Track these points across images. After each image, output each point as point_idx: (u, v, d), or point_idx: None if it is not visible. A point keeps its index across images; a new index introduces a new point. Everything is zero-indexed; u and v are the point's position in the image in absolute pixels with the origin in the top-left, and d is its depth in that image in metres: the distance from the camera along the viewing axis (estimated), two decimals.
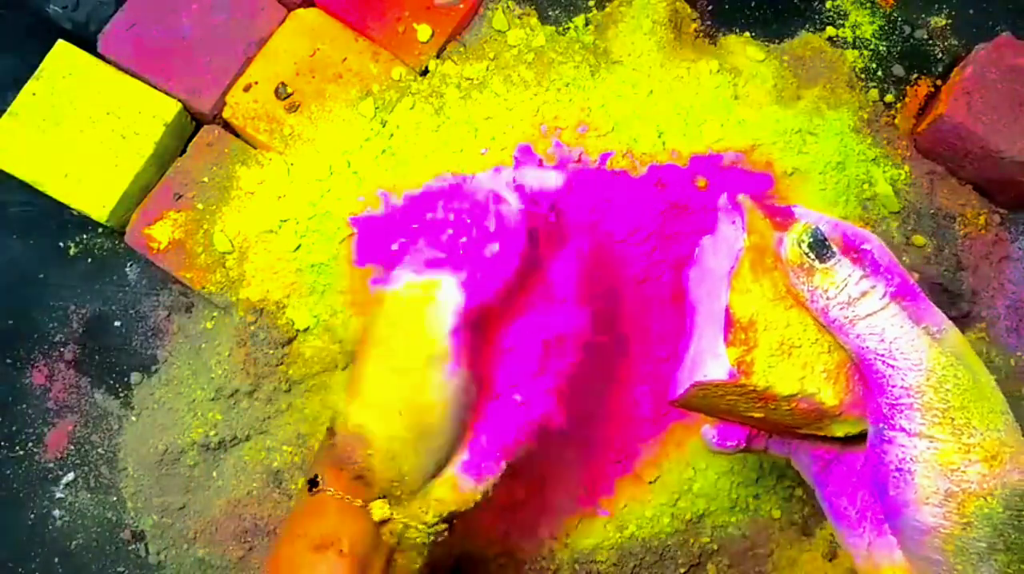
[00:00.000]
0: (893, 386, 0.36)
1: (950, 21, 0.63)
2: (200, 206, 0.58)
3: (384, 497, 0.44)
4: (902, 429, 0.36)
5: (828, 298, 0.38)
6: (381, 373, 0.43)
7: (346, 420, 0.43)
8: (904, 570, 0.38)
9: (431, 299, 0.42)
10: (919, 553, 0.37)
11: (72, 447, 0.58)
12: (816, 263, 0.38)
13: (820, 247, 0.38)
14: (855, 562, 0.41)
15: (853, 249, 0.39)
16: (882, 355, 0.37)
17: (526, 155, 0.55)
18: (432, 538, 0.45)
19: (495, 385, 0.46)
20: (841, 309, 0.38)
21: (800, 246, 0.38)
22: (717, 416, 0.42)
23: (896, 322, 0.37)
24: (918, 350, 0.36)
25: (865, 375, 0.38)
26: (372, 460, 0.43)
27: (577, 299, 0.47)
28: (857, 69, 0.61)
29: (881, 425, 0.37)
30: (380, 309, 0.43)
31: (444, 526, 0.45)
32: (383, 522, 0.44)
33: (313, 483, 0.45)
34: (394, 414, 0.42)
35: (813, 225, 0.39)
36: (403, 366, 0.42)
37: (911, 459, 0.36)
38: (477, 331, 0.44)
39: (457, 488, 0.44)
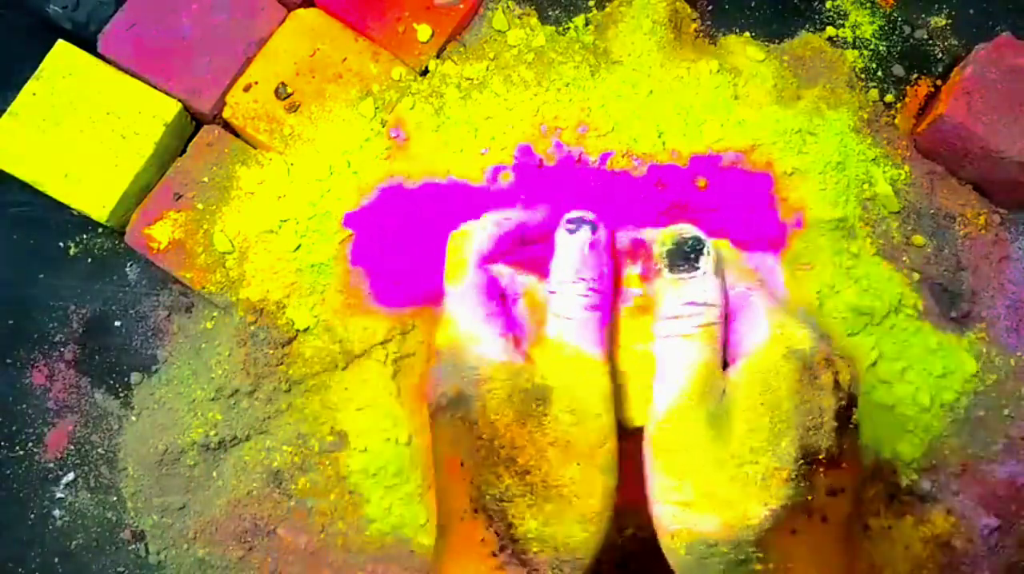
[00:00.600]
0: (654, 405, 0.40)
1: (950, 21, 0.63)
2: (200, 206, 0.58)
3: None
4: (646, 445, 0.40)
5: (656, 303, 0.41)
6: (591, 477, 0.39)
7: (559, 544, 0.38)
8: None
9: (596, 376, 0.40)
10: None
11: (72, 447, 0.58)
12: (665, 271, 0.41)
13: (674, 257, 0.41)
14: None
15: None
16: (660, 375, 0.40)
17: (526, 155, 0.55)
18: None
19: None
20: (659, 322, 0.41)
21: (662, 246, 0.42)
22: None
23: (688, 348, 0.40)
24: (681, 375, 0.39)
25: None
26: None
27: None
28: (857, 69, 0.61)
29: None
30: (542, 397, 0.39)
31: None
32: None
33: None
34: (607, 518, 0.40)
35: (689, 235, 0.41)
36: (606, 462, 0.40)
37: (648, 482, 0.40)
38: None
39: None
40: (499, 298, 0.44)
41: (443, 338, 0.42)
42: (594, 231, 0.43)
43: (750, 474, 0.37)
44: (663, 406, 0.39)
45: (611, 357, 0.42)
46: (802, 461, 0.38)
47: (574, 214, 0.44)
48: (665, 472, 0.38)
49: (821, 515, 0.39)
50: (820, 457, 0.38)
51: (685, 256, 0.41)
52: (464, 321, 0.42)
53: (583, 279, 0.41)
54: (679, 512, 0.38)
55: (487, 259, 0.44)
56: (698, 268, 0.40)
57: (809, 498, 0.38)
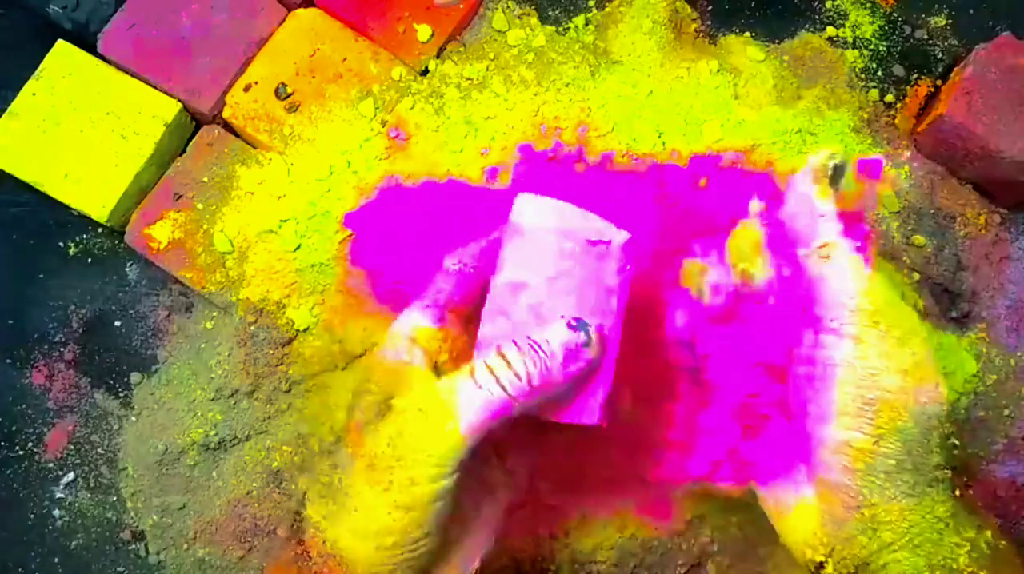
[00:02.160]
0: (833, 288, 0.39)
1: (950, 21, 0.63)
2: (200, 206, 0.58)
3: None
4: (832, 330, 0.39)
5: (811, 210, 0.41)
6: (379, 506, 0.39)
7: (328, 541, 0.40)
8: (810, 507, 0.39)
9: (446, 420, 0.39)
10: (829, 479, 0.38)
11: (72, 447, 0.58)
12: (827, 181, 0.42)
13: (839, 173, 0.42)
14: (762, 504, 0.43)
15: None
16: (831, 261, 0.40)
17: (526, 155, 0.55)
18: None
19: None
20: (814, 224, 0.41)
21: (831, 159, 0.43)
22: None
23: (851, 256, 0.40)
24: (861, 263, 0.40)
25: (808, 282, 0.41)
26: None
27: None
28: (857, 69, 0.61)
29: (813, 329, 0.40)
30: (386, 431, 0.40)
31: None
32: None
33: None
34: (387, 545, 0.39)
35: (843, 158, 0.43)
36: (407, 502, 0.39)
37: (835, 363, 0.38)
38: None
39: None
40: None
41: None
42: (587, 345, 0.41)
43: (929, 348, 0.39)
44: (863, 291, 0.39)
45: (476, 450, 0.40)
46: None
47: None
48: (887, 343, 0.38)
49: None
50: None
51: (842, 174, 0.43)
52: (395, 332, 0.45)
53: (534, 364, 0.40)
54: (902, 381, 0.38)
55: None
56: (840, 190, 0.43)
57: None
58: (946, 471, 0.37)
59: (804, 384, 0.40)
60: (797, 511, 0.40)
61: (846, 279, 0.39)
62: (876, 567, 0.37)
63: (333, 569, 0.40)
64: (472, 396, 0.39)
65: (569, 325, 0.41)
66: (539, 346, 0.40)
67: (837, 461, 0.37)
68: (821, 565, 0.39)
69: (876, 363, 0.38)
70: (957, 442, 0.38)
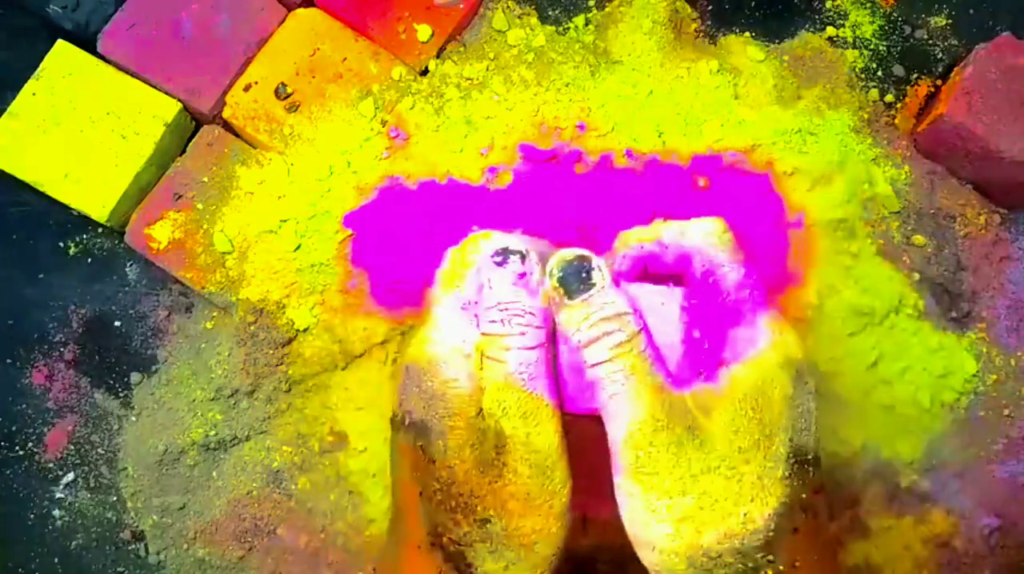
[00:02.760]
0: (610, 434, 0.39)
1: (950, 21, 0.63)
2: (200, 206, 0.58)
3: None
4: (615, 473, 0.38)
5: (568, 338, 0.39)
6: (546, 529, 0.39)
7: None
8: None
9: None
10: None
11: (72, 447, 0.58)
12: (565, 299, 0.39)
13: (569, 282, 0.39)
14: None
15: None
16: (603, 403, 0.39)
17: (527, 154, 0.55)
18: None
19: None
20: (572, 352, 0.39)
21: (551, 277, 0.39)
22: None
23: (617, 378, 0.38)
24: (624, 411, 0.38)
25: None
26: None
27: None
28: (857, 69, 0.61)
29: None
30: (512, 445, 0.39)
31: None
32: None
33: None
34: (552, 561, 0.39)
35: (570, 257, 0.39)
36: (558, 512, 0.39)
37: (620, 504, 0.38)
38: None
39: None
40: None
41: (416, 352, 0.40)
42: (523, 261, 0.40)
43: (745, 475, 0.37)
44: (631, 430, 0.38)
45: (559, 394, 0.40)
46: (793, 460, 0.38)
47: (501, 244, 0.41)
48: (653, 492, 0.37)
49: (813, 512, 0.39)
50: (808, 457, 0.39)
51: (577, 277, 0.39)
52: (443, 340, 0.40)
53: (516, 316, 0.39)
54: (676, 529, 0.37)
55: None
56: (593, 284, 0.39)
57: (803, 496, 0.38)
58: None
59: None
60: None
61: (614, 425, 0.38)
62: None
63: None
64: (513, 371, 0.39)
65: (497, 264, 0.40)
66: (499, 306, 0.40)
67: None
68: None
69: (645, 517, 0.38)
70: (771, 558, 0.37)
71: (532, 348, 0.39)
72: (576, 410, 0.41)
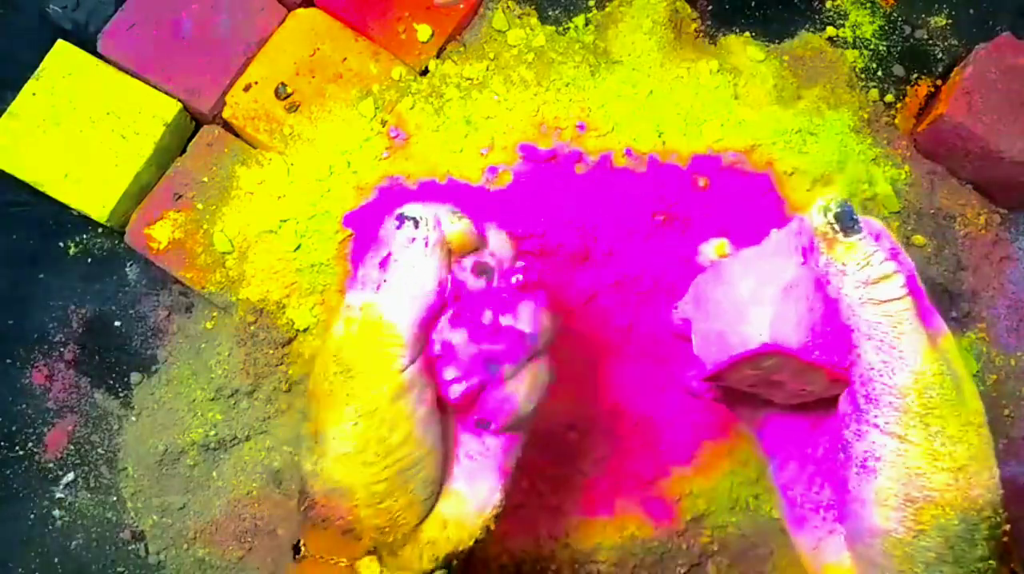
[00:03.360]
0: (879, 380, 0.36)
1: (950, 21, 0.63)
2: (200, 206, 0.58)
3: (372, 552, 0.40)
4: (875, 425, 0.36)
5: (846, 274, 0.36)
6: (344, 422, 0.39)
7: (320, 480, 0.40)
8: (848, 571, 0.38)
9: (378, 328, 0.39)
10: (866, 554, 0.37)
11: (72, 447, 0.58)
12: (840, 235, 0.36)
13: (846, 219, 0.37)
14: (801, 556, 0.41)
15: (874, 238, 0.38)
16: (880, 345, 0.36)
17: (527, 154, 0.55)
18: None
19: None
20: (856, 287, 0.36)
21: (826, 215, 0.37)
22: (743, 386, 0.42)
23: (906, 317, 0.36)
24: (916, 351, 0.36)
25: (855, 360, 0.37)
26: (358, 511, 0.39)
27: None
28: (857, 69, 0.61)
29: (853, 417, 0.37)
30: (327, 358, 0.40)
31: (443, 572, 0.41)
32: None
33: (296, 550, 0.41)
34: (371, 458, 0.39)
35: (841, 197, 0.37)
36: (368, 409, 0.39)
37: (877, 457, 0.36)
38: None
39: (448, 524, 0.41)
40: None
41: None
42: (416, 227, 0.40)
43: (983, 433, 0.37)
44: (920, 371, 0.36)
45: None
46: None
47: (404, 209, 0.40)
48: (938, 438, 0.36)
49: None
50: None
51: (851, 217, 0.37)
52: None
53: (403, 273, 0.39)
54: (956, 477, 0.36)
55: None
56: (861, 229, 0.37)
57: None
58: (990, 562, 0.36)
59: (843, 459, 0.38)
60: (835, 567, 0.39)
61: (894, 369, 0.36)
62: None
63: (338, 505, 0.40)
64: (390, 295, 0.39)
65: (396, 227, 0.40)
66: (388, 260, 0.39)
67: (875, 543, 0.36)
68: None
69: (923, 464, 0.36)
70: (1007, 526, 0.37)
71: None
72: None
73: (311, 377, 0.41)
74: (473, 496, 0.42)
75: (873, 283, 0.36)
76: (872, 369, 0.36)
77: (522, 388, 0.41)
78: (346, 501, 0.39)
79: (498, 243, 0.42)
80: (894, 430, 0.36)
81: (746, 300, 0.38)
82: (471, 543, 0.41)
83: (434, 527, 0.41)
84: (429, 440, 0.40)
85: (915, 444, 0.35)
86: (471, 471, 0.42)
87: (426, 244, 0.39)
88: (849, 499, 0.37)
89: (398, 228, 0.40)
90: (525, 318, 0.40)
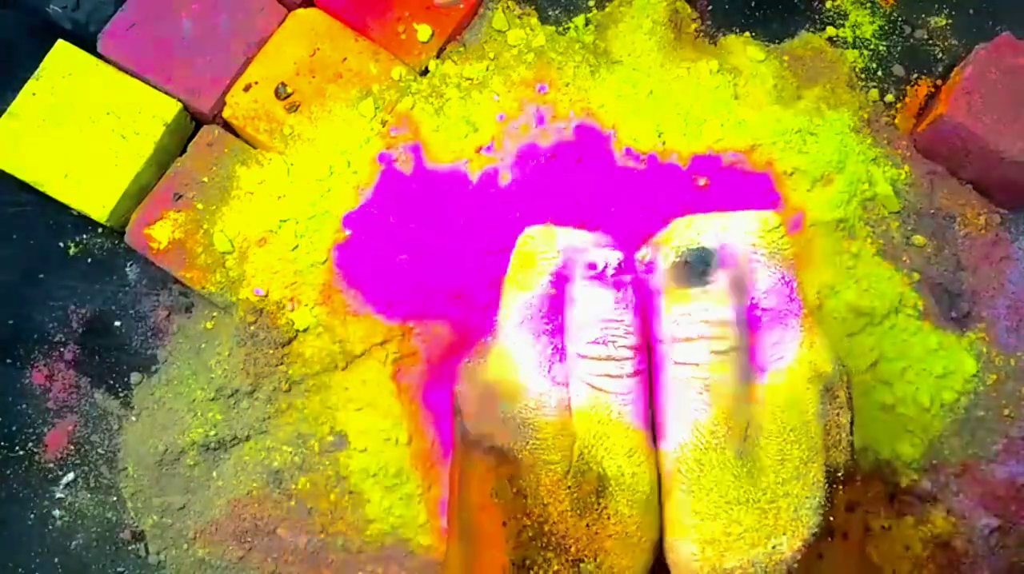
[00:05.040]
0: (662, 434, 0.37)
1: (950, 21, 0.63)
2: (200, 206, 0.58)
3: None
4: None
5: (660, 321, 0.37)
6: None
7: None
8: None
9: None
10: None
11: (72, 447, 0.58)
12: (671, 283, 0.36)
13: (686, 271, 0.36)
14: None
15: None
16: (664, 403, 0.37)
17: (527, 154, 0.55)
18: None
19: None
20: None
21: (667, 258, 0.37)
22: None
23: (695, 385, 0.35)
24: (688, 419, 0.36)
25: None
26: None
27: None
28: (857, 69, 0.61)
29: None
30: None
31: None
32: None
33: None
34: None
35: (697, 245, 0.36)
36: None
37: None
38: None
39: None
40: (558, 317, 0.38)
41: (496, 372, 0.37)
42: (619, 271, 0.36)
43: (782, 508, 0.35)
44: (684, 443, 0.36)
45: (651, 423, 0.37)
46: (827, 484, 0.36)
47: (593, 254, 0.37)
48: (690, 509, 0.36)
49: (843, 533, 0.37)
50: (839, 475, 0.36)
51: (697, 270, 0.35)
52: (522, 354, 0.37)
53: (621, 338, 0.36)
54: (702, 550, 0.35)
55: (562, 278, 0.38)
56: (709, 283, 0.35)
57: (832, 518, 0.36)
58: None
59: None
60: None
61: (673, 424, 0.36)
62: None
63: None
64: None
65: (594, 277, 0.37)
66: (601, 324, 0.37)
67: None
68: None
69: (678, 535, 0.36)
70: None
71: (634, 374, 0.36)
72: None
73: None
74: None
75: (675, 341, 0.36)
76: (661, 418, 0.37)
77: None
78: None
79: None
80: (665, 489, 0.36)
81: None
82: None
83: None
84: None
85: (675, 509, 0.36)
86: None
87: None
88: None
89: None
90: None
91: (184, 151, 0.59)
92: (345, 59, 0.59)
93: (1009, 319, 0.59)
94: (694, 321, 0.35)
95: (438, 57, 0.59)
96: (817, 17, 0.63)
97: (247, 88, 0.58)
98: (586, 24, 0.60)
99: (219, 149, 0.59)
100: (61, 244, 0.60)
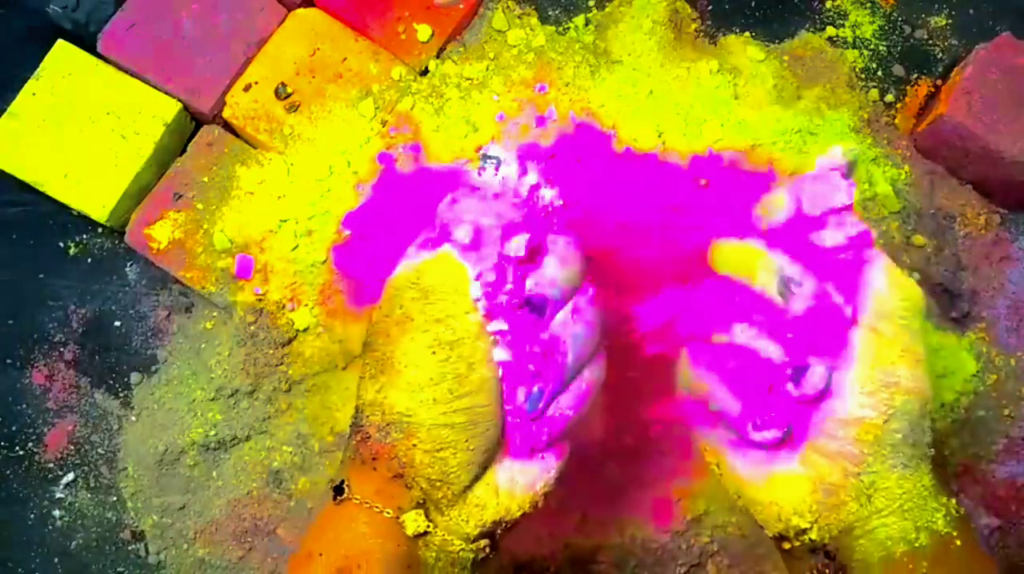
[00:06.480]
0: (866, 290, 0.42)
1: (950, 21, 0.63)
2: (200, 206, 0.58)
3: (419, 506, 0.39)
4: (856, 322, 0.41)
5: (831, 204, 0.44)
6: (422, 349, 0.38)
7: (385, 408, 0.39)
8: (796, 476, 0.41)
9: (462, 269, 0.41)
10: (829, 446, 0.40)
11: (72, 447, 0.58)
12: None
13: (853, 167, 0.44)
14: (728, 473, 0.43)
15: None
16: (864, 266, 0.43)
17: (527, 153, 0.55)
18: (473, 556, 0.40)
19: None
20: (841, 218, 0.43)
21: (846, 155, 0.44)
22: None
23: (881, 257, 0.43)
24: (891, 268, 0.42)
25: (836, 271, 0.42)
26: (415, 452, 0.38)
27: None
28: (857, 69, 0.61)
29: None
30: (403, 284, 0.41)
31: (485, 542, 0.40)
32: (418, 536, 0.39)
33: (339, 490, 0.40)
34: (442, 396, 0.38)
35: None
36: (449, 338, 0.38)
37: (856, 350, 0.40)
38: None
39: (499, 492, 0.40)
40: None
41: None
42: (498, 168, 0.44)
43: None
44: (891, 290, 0.42)
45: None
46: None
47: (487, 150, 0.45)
48: (903, 335, 0.40)
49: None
50: None
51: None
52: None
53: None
54: (911, 372, 0.40)
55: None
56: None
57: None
58: (931, 448, 0.41)
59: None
60: (777, 480, 0.41)
61: (881, 283, 0.41)
62: (861, 531, 0.40)
63: (394, 442, 0.39)
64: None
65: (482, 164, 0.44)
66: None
67: (846, 433, 0.39)
68: (804, 530, 0.40)
69: (892, 356, 0.40)
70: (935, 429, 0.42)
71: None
72: None
73: (376, 310, 0.42)
74: (528, 468, 0.42)
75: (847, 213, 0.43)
76: (862, 279, 0.42)
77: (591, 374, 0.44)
78: (405, 439, 0.39)
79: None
80: (876, 325, 0.40)
81: None
82: (518, 515, 0.41)
83: (485, 492, 0.40)
84: (498, 399, 0.40)
85: (891, 338, 0.40)
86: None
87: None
88: (821, 394, 0.41)
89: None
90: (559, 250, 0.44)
91: (184, 151, 0.59)
92: (345, 59, 0.59)
93: (1009, 319, 0.59)
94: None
95: (438, 57, 0.59)
96: (817, 17, 0.63)
97: (247, 88, 0.58)
98: (586, 24, 0.60)
99: (219, 149, 0.59)
100: (61, 244, 0.60)
